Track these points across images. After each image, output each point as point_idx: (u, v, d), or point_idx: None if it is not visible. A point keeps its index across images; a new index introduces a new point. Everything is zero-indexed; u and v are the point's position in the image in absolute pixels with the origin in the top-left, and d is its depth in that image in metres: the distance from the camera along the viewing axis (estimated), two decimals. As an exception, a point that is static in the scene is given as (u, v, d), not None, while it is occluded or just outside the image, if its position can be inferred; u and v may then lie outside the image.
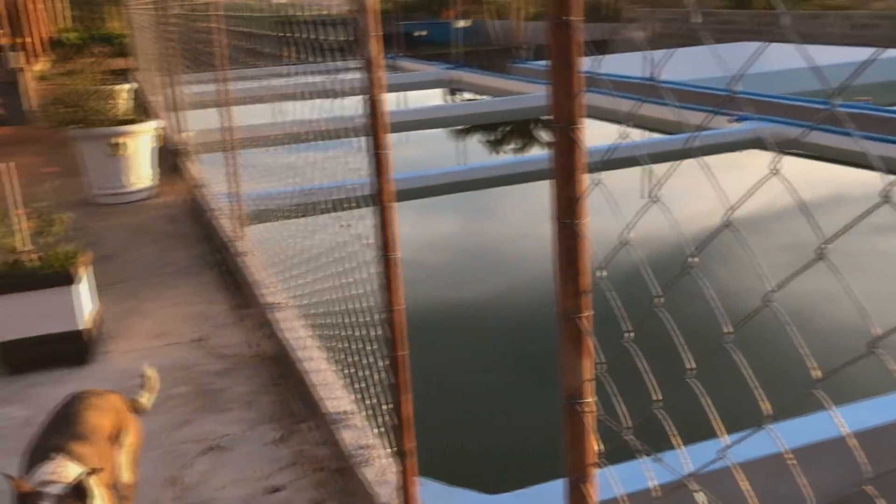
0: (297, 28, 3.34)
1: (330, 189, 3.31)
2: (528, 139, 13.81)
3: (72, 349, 4.21)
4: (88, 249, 4.63)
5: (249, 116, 5.06)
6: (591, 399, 1.35)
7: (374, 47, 2.17)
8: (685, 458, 1.28)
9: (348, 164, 2.94)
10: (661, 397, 1.22)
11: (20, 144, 11.28)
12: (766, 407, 1.07)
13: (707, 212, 6.65)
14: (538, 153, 11.89)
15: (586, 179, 1.26)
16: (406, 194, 9.09)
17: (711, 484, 1.37)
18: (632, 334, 1.23)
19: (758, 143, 10.75)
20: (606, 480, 1.47)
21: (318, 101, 3.31)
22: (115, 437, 2.54)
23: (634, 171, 9.13)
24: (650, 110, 12.19)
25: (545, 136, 14.00)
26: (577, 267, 1.30)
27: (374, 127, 2.24)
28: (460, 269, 6.78)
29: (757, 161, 10.38)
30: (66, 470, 2.10)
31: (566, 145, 1.26)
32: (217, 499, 3.05)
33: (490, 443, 3.95)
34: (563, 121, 1.25)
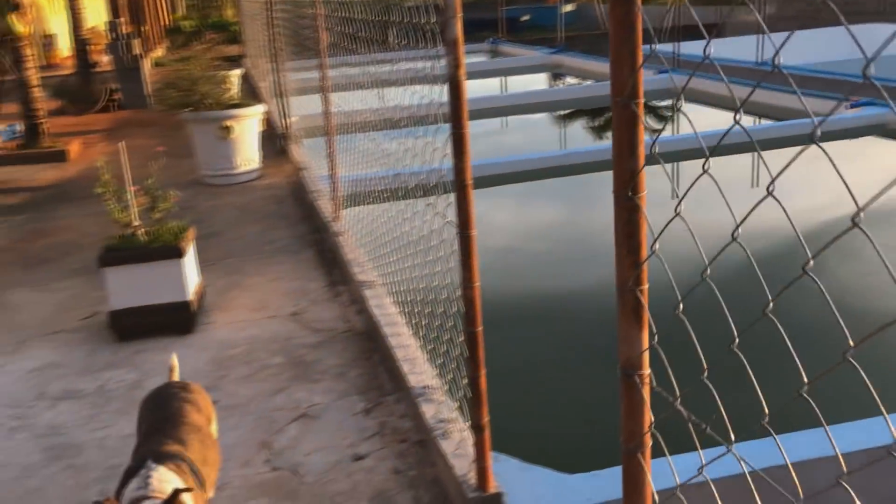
0: (391, 13, 3.41)
1: (420, 173, 3.38)
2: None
3: (177, 319, 4.46)
4: (195, 226, 4.89)
5: (346, 102, 5.20)
6: (647, 371, 1.37)
7: (457, 29, 2.22)
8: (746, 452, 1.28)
9: (437, 149, 3.00)
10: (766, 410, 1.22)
11: (138, 127, 11.91)
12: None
13: (822, 205, 6.41)
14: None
15: (643, 154, 1.28)
16: (505, 178, 9.15)
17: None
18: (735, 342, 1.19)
19: (877, 130, 10.24)
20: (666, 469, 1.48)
21: (409, 87, 3.38)
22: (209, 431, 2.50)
23: (743, 159, 8.86)
24: (761, 96, 11.78)
25: (651, 121, 13.74)
26: (636, 240, 1.32)
27: (455, 107, 2.29)
28: (561, 259, 6.78)
29: (876, 149, 9.90)
30: (161, 484, 1.98)
31: (627, 120, 1.28)
32: (304, 463, 3.19)
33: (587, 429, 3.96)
34: (624, 96, 1.27)
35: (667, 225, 1.23)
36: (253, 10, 13.43)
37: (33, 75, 9.50)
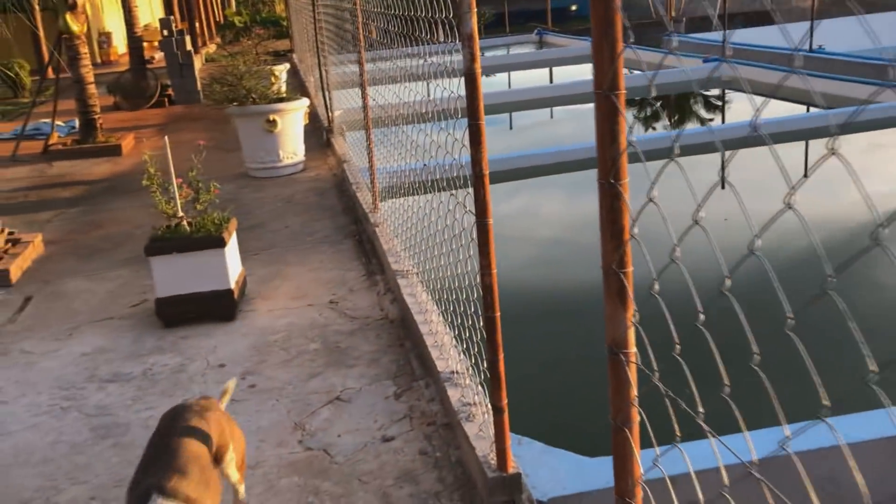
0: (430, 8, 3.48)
1: (445, 165, 3.46)
2: (681, 113, 13.46)
3: (220, 306, 4.63)
4: (240, 218, 5.05)
5: (384, 96, 5.31)
6: (632, 349, 1.44)
7: (472, 23, 2.30)
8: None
9: (456, 140, 3.07)
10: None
11: (189, 121, 12.24)
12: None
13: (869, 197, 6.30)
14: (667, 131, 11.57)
15: (624, 143, 1.35)
16: (548, 169, 9.18)
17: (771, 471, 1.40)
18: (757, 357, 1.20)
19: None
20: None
21: (443, 81, 3.46)
22: (220, 457, 2.48)
23: (788, 148, 8.75)
24: (806, 83, 11.57)
25: (700, 110, 13.60)
26: (618, 224, 1.40)
27: (472, 99, 2.38)
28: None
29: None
30: None
31: (608, 110, 1.36)
32: (335, 444, 3.32)
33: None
34: (604, 88, 1.35)
35: (641, 210, 1.30)
36: (300, 6, 13.66)
37: (88, 72, 9.84)
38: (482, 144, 2.42)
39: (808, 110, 11.11)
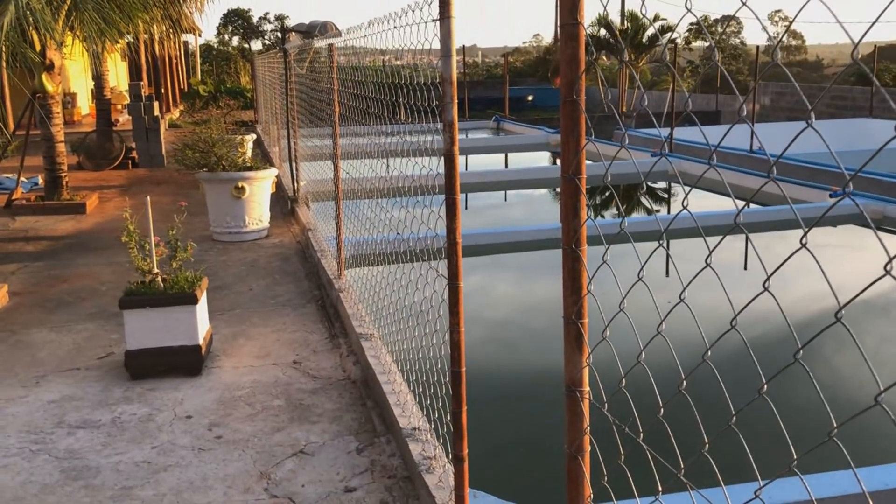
0: (398, 92, 3.85)
1: (416, 238, 3.76)
2: (628, 203, 14.09)
3: (187, 361, 4.81)
4: (206, 277, 5.28)
5: (353, 169, 5.65)
6: (586, 388, 1.74)
7: (453, 112, 2.65)
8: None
9: (438, 216, 3.38)
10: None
11: (152, 184, 12.43)
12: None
13: (811, 294, 6.79)
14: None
15: (584, 216, 1.68)
16: (500, 248, 9.57)
17: None
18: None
19: (855, 219, 10.70)
20: None
21: (412, 159, 3.80)
22: None
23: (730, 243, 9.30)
24: (748, 181, 12.33)
25: (646, 201, 14.27)
26: (578, 282, 1.71)
27: (449, 177, 2.71)
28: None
29: (855, 237, 10.36)
30: None
31: (572, 191, 1.69)
32: (299, 493, 3.51)
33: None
34: (570, 172, 1.68)
35: (596, 271, 1.62)
36: (268, 79, 14.11)
37: (59, 131, 10.04)
38: (457, 216, 2.74)
39: (748, 206, 11.79)
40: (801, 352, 1.16)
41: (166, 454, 3.86)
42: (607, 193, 13.99)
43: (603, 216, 12.92)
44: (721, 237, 1.34)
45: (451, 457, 3.00)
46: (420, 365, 3.75)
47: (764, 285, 1.18)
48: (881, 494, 3.21)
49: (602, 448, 1.83)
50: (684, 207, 1.36)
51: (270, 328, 5.75)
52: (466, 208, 13.45)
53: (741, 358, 1.39)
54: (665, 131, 16.70)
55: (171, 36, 19.60)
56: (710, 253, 1.27)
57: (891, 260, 1.00)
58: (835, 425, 1.10)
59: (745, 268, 8.41)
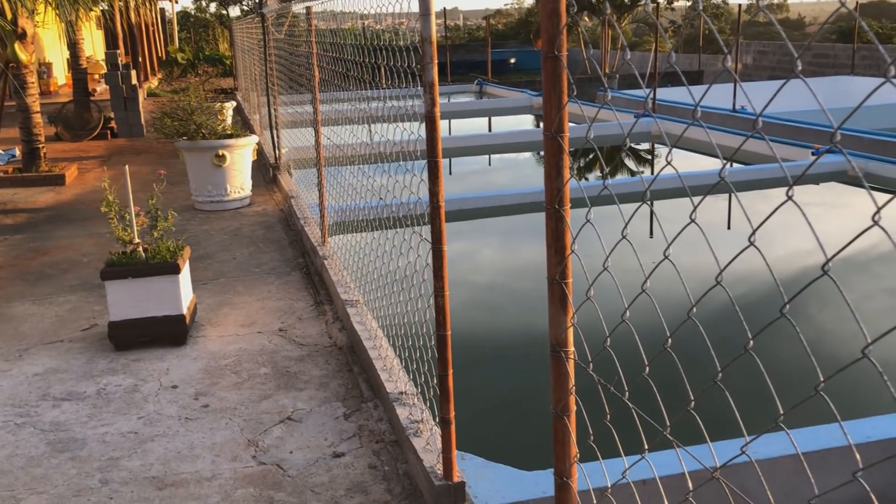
0: (380, 55, 3.79)
1: (406, 203, 3.72)
2: (611, 164, 14.07)
3: (172, 331, 4.78)
4: (188, 246, 5.23)
5: (335, 136, 5.59)
6: (571, 348, 1.73)
7: (433, 72, 2.61)
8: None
9: (421, 180, 3.35)
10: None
11: (132, 154, 12.28)
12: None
13: (795, 252, 6.83)
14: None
15: (567, 176, 1.65)
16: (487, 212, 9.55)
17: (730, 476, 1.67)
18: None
19: (838, 177, 10.76)
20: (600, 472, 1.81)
21: (394, 123, 3.76)
22: None
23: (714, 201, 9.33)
24: (730, 140, 12.33)
25: (631, 162, 14.26)
26: (561, 242, 1.69)
27: (430, 139, 2.67)
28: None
29: (837, 195, 10.41)
30: None
31: (555, 149, 1.66)
32: (287, 460, 3.51)
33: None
34: (553, 130, 1.65)
35: (579, 231, 1.60)
36: (247, 46, 13.90)
37: (35, 102, 9.87)
38: (439, 179, 2.71)
39: (731, 165, 11.80)
40: (788, 307, 1.14)
41: (153, 424, 3.85)
42: (591, 155, 14.00)
43: (587, 178, 12.92)
44: (705, 193, 1.32)
45: (437, 420, 3.00)
46: (406, 330, 3.74)
47: (749, 239, 1.16)
48: (864, 447, 3.24)
49: (588, 408, 1.83)
50: (668, 163, 1.34)
51: (255, 296, 5.72)
52: (450, 173, 13.40)
53: (727, 315, 1.39)
54: (647, 92, 16.65)
55: (147, 3, 19.26)
56: (695, 208, 1.26)
57: (878, 210, 0.98)
58: (821, 379, 1.09)
59: (729, 227, 8.43)
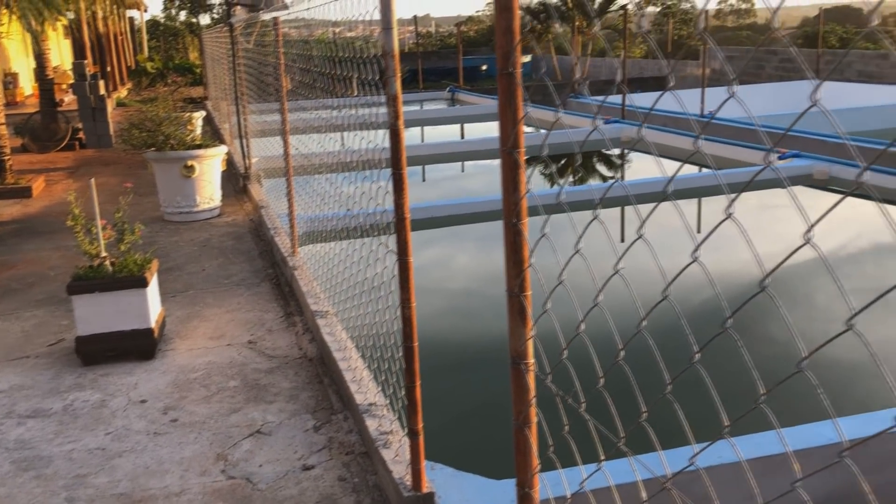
0: (348, 66, 3.79)
1: (365, 214, 3.73)
2: (584, 170, 14.16)
3: (140, 345, 4.74)
4: (157, 259, 5.19)
5: (305, 145, 5.58)
6: (531, 360, 1.74)
7: (396, 85, 2.62)
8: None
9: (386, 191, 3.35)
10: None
11: (101, 165, 12.16)
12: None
13: (764, 255, 6.90)
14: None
15: (524, 190, 1.67)
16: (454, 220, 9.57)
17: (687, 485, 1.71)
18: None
19: (806, 181, 10.92)
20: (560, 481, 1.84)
21: (362, 133, 3.76)
22: None
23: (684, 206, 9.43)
24: (702, 146, 12.45)
25: (601, 168, 14.36)
26: (519, 255, 1.71)
27: (395, 151, 2.69)
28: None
29: (803, 198, 10.57)
30: None
31: (511, 164, 1.68)
32: (257, 473, 3.50)
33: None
34: (508, 145, 1.67)
35: (537, 242, 1.62)
36: (216, 55, 13.84)
37: (0, 113, 9.74)
38: (404, 191, 2.72)
39: (699, 170, 11.94)
40: (731, 321, 1.17)
41: (121, 440, 3.81)
42: (564, 160, 14.09)
43: (559, 184, 12.99)
44: (654, 206, 1.35)
45: (406, 431, 3.01)
46: (375, 341, 3.75)
47: (693, 255, 1.19)
48: (805, 452, 3.28)
49: (549, 418, 1.85)
50: (617, 179, 1.37)
51: (225, 308, 5.69)
52: (424, 180, 13.41)
53: (682, 326, 1.41)
54: (618, 98, 16.77)
55: (116, 12, 19.10)
56: (643, 223, 1.28)
57: (810, 228, 1.01)
58: (762, 392, 1.12)
59: (699, 231, 8.52)
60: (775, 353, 5.37)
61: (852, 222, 8.40)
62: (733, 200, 1.10)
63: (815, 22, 26.58)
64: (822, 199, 9.99)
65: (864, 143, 11.26)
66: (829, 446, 3.23)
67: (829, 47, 22.25)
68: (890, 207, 9.79)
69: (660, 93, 1.40)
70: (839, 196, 1.21)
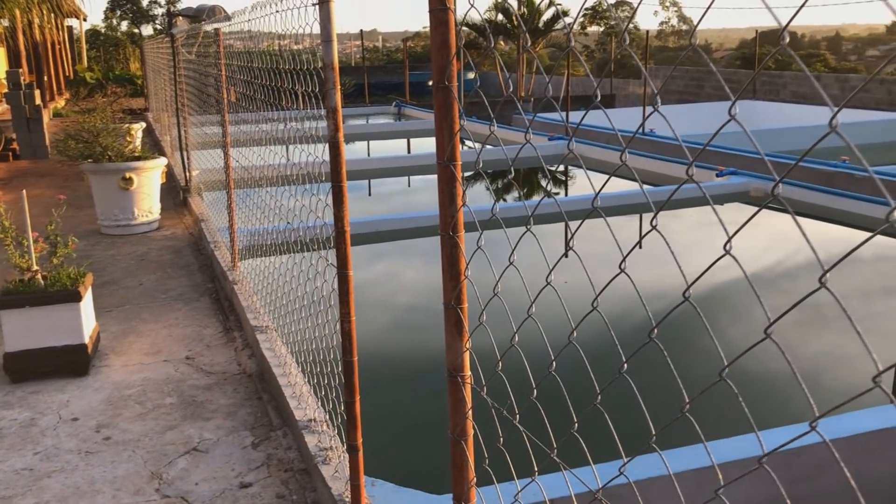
0: (292, 78, 3.75)
1: (314, 227, 3.69)
2: (528, 186, 14.29)
3: (73, 361, 4.60)
4: (92, 273, 5.06)
5: (246, 158, 5.51)
6: (467, 373, 1.74)
7: (336, 98, 2.61)
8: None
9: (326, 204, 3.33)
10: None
11: (36, 177, 11.83)
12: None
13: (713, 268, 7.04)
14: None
15: (461, 203, 1.67)
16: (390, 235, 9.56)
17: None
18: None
19: (743, 197, 11.19)
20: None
21: (302, 146, 3.73)
22: None
23: (620, 221, 9.57)
24: (641, 163, 12.71)
25: (545, 183, 14.51)
26: (456, 268, 1.71)
27: (335, 164, 2.67)
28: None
29: (740, 215, 10.83)
30: None
31: (448, 177, 1.68)
32: (193, 491, 3.41)
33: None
34: (445, 158, 1.67)
35: (472, 255, 1.62)
36: (158, 66, 13.62)
37: (-73, 122, 9.41)
38: (344, 204, 2.70)
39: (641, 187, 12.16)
40: (656, 331, 1.19)
41: (50, 459, 3.69)
42: (511, 175, 14.20)
43: (505, 199, 13.09)
44: (581, 221, 1.36)
45: (346, 447, 2.97)
46: (315, 356, 3.70)
47: (620, 267, 1.20)
48: (738, 463, 3.33)
49: (486, 432, 1.84)
50: (548, 194, 1.38)
51: (162, 324, 5.57)
52: (370, 195, 13.37)
53: (617, 338, 1.42)
54: (561, 115, 17.00)
55: (53, 20, 18.66)
56: (572, 235, 1.29)
57: (729, 239, 1.03)
58: (687, 400, 1.13)
59: (641, 247, 8.64)
60: (713, 364, 5.47)
61: (791, 240, 8.64)
62: (656, 214, 1.12)
63: (752, 44, 27.39)
64: (758, 216, 10.25)
65: (791, 161, 11.63)
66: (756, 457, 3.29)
67: (765, 69, 22.92)
68: (820, 222, 10.05)
69: (589, 109, 1.42)
70: (776, 213, 1.24)
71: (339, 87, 2.63)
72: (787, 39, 0.89)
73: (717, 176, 11.51)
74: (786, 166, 11.47)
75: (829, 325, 6.06)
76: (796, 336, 5.98)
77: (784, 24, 0.89)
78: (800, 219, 1.18)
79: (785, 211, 0.90)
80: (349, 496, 2.98)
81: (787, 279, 7.86)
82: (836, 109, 0.84)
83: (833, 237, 9.45)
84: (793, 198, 10.57)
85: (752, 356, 1.15)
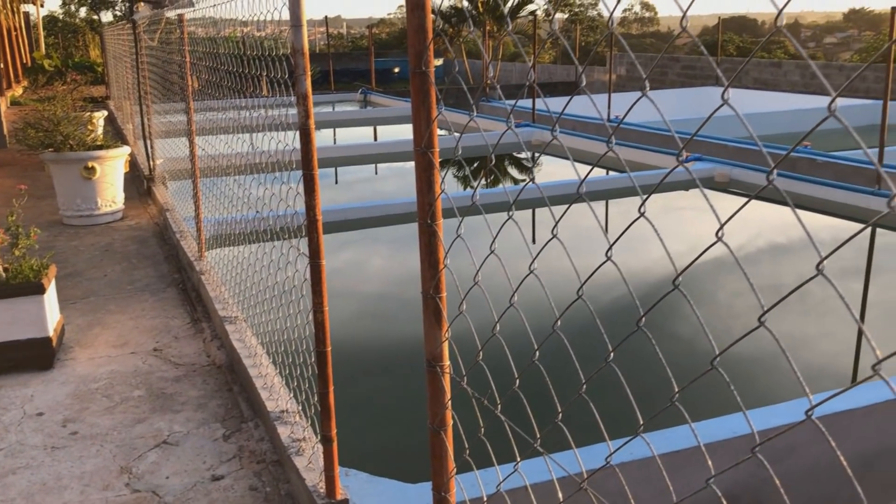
0: (258, 64, 3.69)
1: (284, 216, 3.65)
2: (496, 173, 14.29)
3: (37, 355, 4.50)
4: (55, 265, 4.95)
5: (211, 146, 5.43)
6: (446, 362, 1.72)
7: (306, 84, 2.56)
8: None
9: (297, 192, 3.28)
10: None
11: (-6, 167, 11.56)
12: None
13: (678, 255, 7.09)
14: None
15: (439, 191, 1.65)
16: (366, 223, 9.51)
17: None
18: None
19: (707, 183, 11.30)
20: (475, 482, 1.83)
21: (271, 134, 3.67)
22: None
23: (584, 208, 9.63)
24: (604, 149, 12.76)
25: (514, 171, 14.53)
26: (434, 256, 1.69)
27: (305, 152, 2.63)
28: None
29: (704, 201, 10.94)
30: None
31: (425, 164, 1.65)
32: (163, 486, 3.36)
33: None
34: (423, 145, 1.64)
35: (452, 243, 1.60)
36: (119, 53, 13.36)
37: None
38: (315, 193, 2.67)
39: (607, 173, 12.23)
40: (644, 320, 1.18)
41: (14, 456, 3.61)
42: (476, 164, 14.19)
43: (472, 187, 13.08)
44: (567, 206, 1.35)
45: (320, 438, 2.95)
46: (286, 346, 3.66)
47: (606, 254, 1.19)
48: (713, 445, 3.37)
49: (465, 421, 1.83)
50: (531, 180, 1.36)
51: (128, 315, 5.47)
52: (337, 182, 13.28)
53: (598, 326, 1.42)
54: (528, 102, 17.01)
55: (8, 6, 18.23)
56: (557, 223, 1.28)
57: (722, 226, 1.02)
58: (676, 389, 1.13)
59: (606, 231, 8.69)
60: (692, 349, 5.53)
61: (750, 225, 8.74)
62: (645, 200, 1.11)
63: (714, 31, 27.63)
64: (723, 201, 10.37)
65: (764, 147, 11.76)
66: (734, 439, 3.34)
67: (727, 55, 23.15)
68: (783, 207, 10.17)
69: (570, 97, 1.41)
70: (740, 198, 1.24)
71: (309, 73, 2.59)
72: (784, 21, 0.88)
73: (683, 162, 11.59)
74: (750, 152, 11.62)
75: (788, 307, 6.14)
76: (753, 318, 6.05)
77: (779, 7, 0.88)
78: (763, 204, 1.18)
79: (768, 199, 0.89)
80: (324, 487, 2.95)
81: (749, 263, 7.95)
82: (834, 95, 0.83)
83: (793, 222, 9.60)
84: (756, 182, 10.71)
85: (717, 338, 1.15)
